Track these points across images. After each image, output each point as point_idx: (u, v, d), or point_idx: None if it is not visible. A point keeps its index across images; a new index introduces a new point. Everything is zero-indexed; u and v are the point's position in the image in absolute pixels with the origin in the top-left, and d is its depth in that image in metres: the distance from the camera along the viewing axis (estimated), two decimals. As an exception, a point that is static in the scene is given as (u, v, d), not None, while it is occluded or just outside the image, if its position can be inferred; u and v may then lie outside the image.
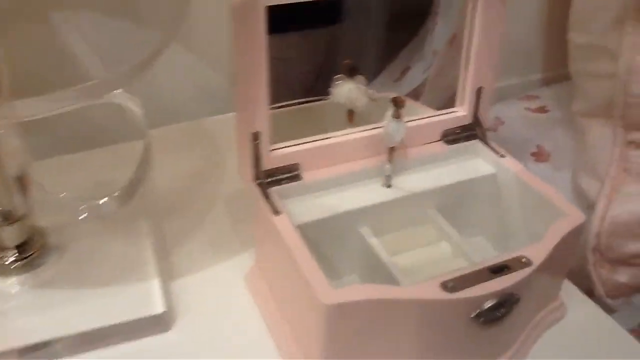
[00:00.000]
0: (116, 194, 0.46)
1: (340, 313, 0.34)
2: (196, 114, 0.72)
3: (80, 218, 0.44)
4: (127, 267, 0.47)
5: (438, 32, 0.72)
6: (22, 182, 0.44)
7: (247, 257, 0.50)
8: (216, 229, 0.53)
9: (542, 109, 0.74)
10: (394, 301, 0.34)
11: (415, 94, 0.74)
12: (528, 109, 0.74)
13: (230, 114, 0.63)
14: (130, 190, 0.46)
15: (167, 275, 0.48)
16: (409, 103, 0.60)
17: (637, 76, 0.52)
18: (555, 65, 0.85)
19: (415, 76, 0.74)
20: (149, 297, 0.44)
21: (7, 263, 0.46)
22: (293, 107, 0.56)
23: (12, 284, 0.45)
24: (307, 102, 0.58)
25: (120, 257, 0.48)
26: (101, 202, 0.45)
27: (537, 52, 0.85)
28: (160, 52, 0.41)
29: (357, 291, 0.34)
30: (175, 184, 0.59)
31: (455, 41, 0.65)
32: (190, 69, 0.70)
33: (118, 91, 0.43)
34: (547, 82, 0.85)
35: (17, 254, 0.46)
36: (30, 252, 0.46)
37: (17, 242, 0.46)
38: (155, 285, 0.45)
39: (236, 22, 0.37)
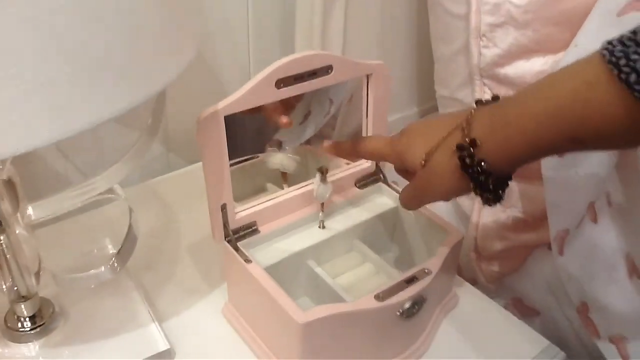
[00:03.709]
0: (111, 262, 0.57)
1: (311, 328, 0.48)
2: (137, 179, 0.83)
3: (91, 287, 0.56)
4: (125, 318, 0.58)
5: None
6: (37, 272, 0.54)
7: (217, 296, 0.63)
8: (185, 277, 0.66)
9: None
10: (345, 314, 0.49)
11: (325, 137, 0.90)
12: (411, 141, 0.93)
13: (167, 175, 0.77)
14: (122, 259, 0.57)
15: (158, 320, 0.60)
16: (333, 159, 0.75)
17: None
18: (427, 99, 1.05)
19: (317, 120, 0.89)
20: (151, 339, 0.56)
21: (25, 332, 0.56)
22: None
23: (31, 349, 0.55)
24: (243, 161, 0.72)
25: (117, 311, 0.59)
26: (101, 271, 0.57)
27: (412, 89, 1.05)
28: (146, 149, 0.54)
29: (319, 311, 0.49)
30: (139, 243, 0.70)
31: (352, 100, 0.82)
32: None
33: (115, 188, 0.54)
34: (423, 114, 1.05)
35: (32, 324, 0.56)
36: (42, 321, 0.56)
37: (31, 314, 0.56)
38: (154, 329, 0.57)
39: (202, 130, 0.51)
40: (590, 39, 0.57)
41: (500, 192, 0.47)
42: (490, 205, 0.47)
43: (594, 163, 0.61)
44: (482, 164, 0.44)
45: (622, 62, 0.34)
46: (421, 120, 0.52)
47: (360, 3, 0.82)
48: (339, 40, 0.80)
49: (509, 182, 0.47)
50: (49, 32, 0.33)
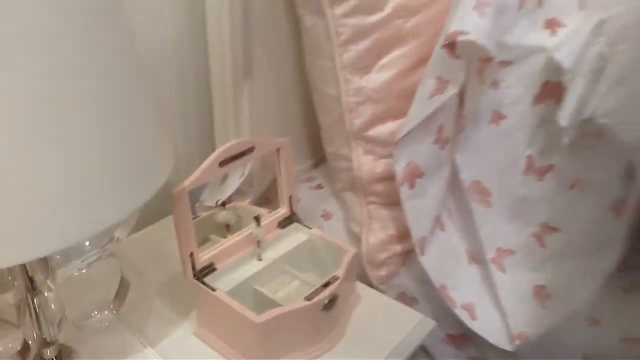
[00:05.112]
0: (110, 307, 0.78)
1: (266, 326, 0.72)
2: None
3: (102, 327, 0.76)
4: (124, 349, 0.79)
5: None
6: (59, 323, 0.74)
7: (187, 323, 0.85)
8: (159, 312, 0.87)
9: (319, 187, 1.20)
10: (287, 312, 0.74)
11: (243, 194, 1.14)
12: (311, 187, 1.20)
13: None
14: (119, 303, 0.78)
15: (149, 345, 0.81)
16: (257, 210, 0.99)
17: (363, 172, 1.00)
18: (317, 153, 1.32)
19: (234, 181, 1.12)
20: None
21: (51, 370, 0.75)
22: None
23: (56, 383, 0.74)
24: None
25: (116, 345, 0.79)
26: (104, 314, 0.77)
27: (304, 147, 1.32)
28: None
29: (270, 313, 0.73)
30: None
31: (265, 166, 1.07)
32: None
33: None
34: (315, 164, 1.33)
35: (55, 363, 0.75)
36: None
37: (53, 355, 0.75)
38: (149, 353, 0.78)
39: (176, 202, 0.74)
40: (416, 113, 0.87)
41: None
42: None
43: (435, 190, 0.91)
44: None
45: None
46: None
47: (260, 88, 1.09)
48: (247, 120, 1.06)
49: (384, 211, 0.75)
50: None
